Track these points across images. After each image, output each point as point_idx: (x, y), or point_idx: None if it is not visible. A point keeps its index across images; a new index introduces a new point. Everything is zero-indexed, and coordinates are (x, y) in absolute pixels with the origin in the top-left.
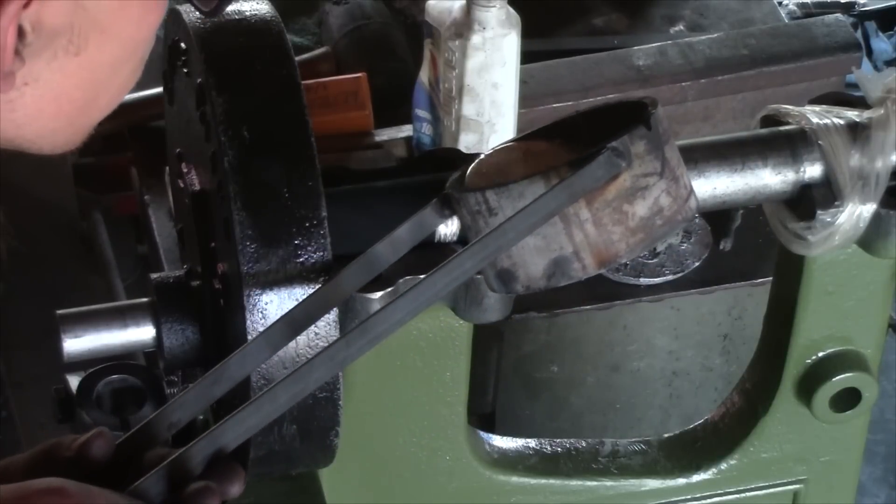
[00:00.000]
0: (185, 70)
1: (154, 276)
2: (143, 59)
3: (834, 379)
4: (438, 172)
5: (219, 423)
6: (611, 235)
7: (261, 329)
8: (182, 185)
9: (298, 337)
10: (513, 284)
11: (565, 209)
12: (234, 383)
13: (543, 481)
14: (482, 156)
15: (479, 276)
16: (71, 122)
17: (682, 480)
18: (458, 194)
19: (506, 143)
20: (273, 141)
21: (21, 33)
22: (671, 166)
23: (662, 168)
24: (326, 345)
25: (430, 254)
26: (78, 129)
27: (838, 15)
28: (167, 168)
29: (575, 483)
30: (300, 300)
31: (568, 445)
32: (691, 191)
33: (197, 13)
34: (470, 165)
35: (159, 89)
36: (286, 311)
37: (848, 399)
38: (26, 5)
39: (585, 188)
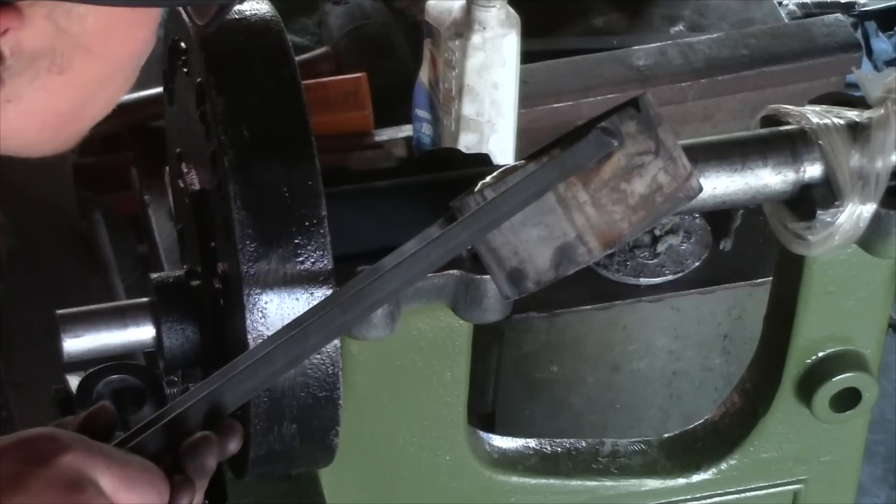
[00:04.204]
0: (185, 70)
1: (154, 276)
2: (136, 70)
3: (834, 379)
4: (438, 172)
5: (217, 384)
6: (612, 215)
7: (261, 328)
8: (182, 185)
9: None
10: (524, 283)
11: (563, 194)
12: None
13: (543, 481)
14: (486, 178)
15: (480, 277)
16: (57, 134)
17: (682, 480)
18: (459, 203)
19: (508, 164)
20: (273, 140)
21: None
22: (666, 146)
23: (657, 147)
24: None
25: None
26: (66, 139)
27: (838, 15)
28: (167, 168)
29: (575, 483)
30: (300, 300)
31: (568, 445)
32: (692, 171)
33: None
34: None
35: (159, 89)
36: (286, 310)
37: (848, 399)
38: (3, 33)
39: (578, 166)
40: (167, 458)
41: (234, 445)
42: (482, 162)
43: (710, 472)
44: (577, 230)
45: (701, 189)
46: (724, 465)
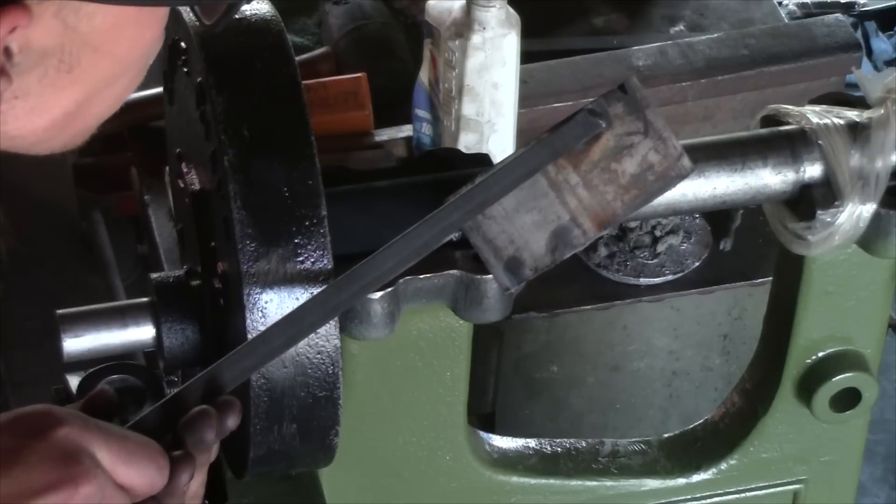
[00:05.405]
0: (185, 70)
1: (154, 275)
2: (144, 69)
3: (834, 379)
4: (438, 172)
5: (214, 364)
6: (604, 195)
7: (261, 328)
8: (182, 185)
9: None
10: (522, 271)
11: (555, 177)
12: None
13: (543, 481)
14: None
15: (480, 277)
16: (64, 131)
17: (682, 480)
18: (453, 197)
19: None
20: (273, 140)
21: (8, 53)
22: (655, 127)
23: (646, 128)
24: (326, 343)
25: (430, 254)
26: (73, 136)
27: (838, 15)
28: (167, 168)
29: (575, 483)
30: (300, 299)
31: (568, 445)
32: (682, 151)
33: None
34: None
35: (159, 89)
36: (286, 309)
37: (848, 399)
38: (12, 31)
39: (567, 147)
40: (167, 437)
41: (232, 421)
42: (482, 162)
43: (710, 472)
44: (570, 212)
45: (693, 168)
46: (724, 465)
